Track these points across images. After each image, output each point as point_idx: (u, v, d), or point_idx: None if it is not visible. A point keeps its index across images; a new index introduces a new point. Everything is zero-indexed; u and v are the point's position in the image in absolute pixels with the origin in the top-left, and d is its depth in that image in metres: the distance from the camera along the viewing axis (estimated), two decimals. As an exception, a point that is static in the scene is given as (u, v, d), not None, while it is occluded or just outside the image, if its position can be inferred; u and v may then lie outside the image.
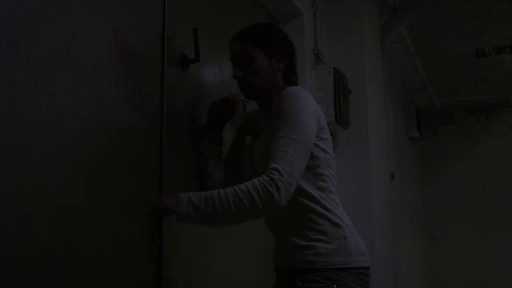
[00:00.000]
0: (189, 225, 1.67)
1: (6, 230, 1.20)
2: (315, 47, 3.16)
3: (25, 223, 1.26)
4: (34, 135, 1.30)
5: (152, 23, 1.85)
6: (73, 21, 1.47)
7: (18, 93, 1.26)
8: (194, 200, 1.58)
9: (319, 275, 1.66)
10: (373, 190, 3.30)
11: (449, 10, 4.15)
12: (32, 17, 1.33)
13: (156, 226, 1.73)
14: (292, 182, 1.57)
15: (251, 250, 1.99)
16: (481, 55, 4.88)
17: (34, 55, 1.32)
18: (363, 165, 3.28)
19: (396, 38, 4.17)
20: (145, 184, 1.75)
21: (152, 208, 1.66)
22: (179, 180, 1.90)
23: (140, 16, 1.77)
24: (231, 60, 1.86)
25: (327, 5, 3.41)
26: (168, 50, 1.89)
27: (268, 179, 1.55)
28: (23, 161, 1.26)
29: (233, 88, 1.97)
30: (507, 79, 5.49)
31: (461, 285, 5.99)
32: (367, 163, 3.29)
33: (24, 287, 1.25)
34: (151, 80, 1.81)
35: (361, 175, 3.27)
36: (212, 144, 1.96)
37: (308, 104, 1.69)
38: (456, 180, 6.27)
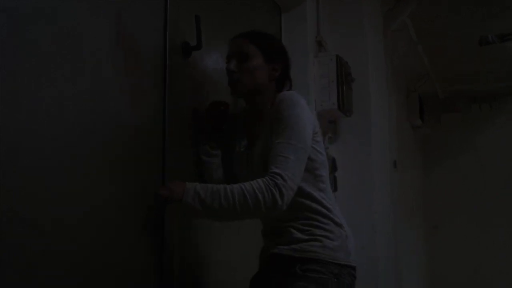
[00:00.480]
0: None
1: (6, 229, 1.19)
2: (318, 34, 3.14)
3: (25, 217, 1.25)
4: (34, 128, 1.29)
5: (154, 10, 1.83)
6: (73, 8, 1.44)
7: (17, 84, 1.25)
8: (200, 192, 1.60)
9: (321, 266, 1.70)
10: (375, 178, 3.29)
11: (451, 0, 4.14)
12: (32, 5, 1.31)
13: (158, 214, 1.73)
14: (294, 187, 1.63)
15: (253, 238, 1.99)
16: (485, 42, 4.84)
17: (32, 46, 1.30)
18: (365, 153, 3.27)
19: (398, 26, 4.15)
20: (148, 173, 1.73)
21: (156, 194, 1.67)
22: (183, 169, 1.90)
23: (141, 4, 1.76)
24: (228, 56, 1.88)
25: (330, -8, 3.38)
26: (170, 37, 1.88)
27: (272, 183, 1.59)
28: (23, 155, 1.25)
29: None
30: (511, 68, 5.45)
31: (463, 273, 6.00)
32: (370, 151, 3.28)
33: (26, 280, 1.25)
34: (153, 67, 1.80)
35: (364, 163, 3.26)
36: (211, 149, 1.95)
37: (305, 110, 1.74)
38: (458, 168, 6.26)
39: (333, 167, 3.04)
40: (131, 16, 1.69)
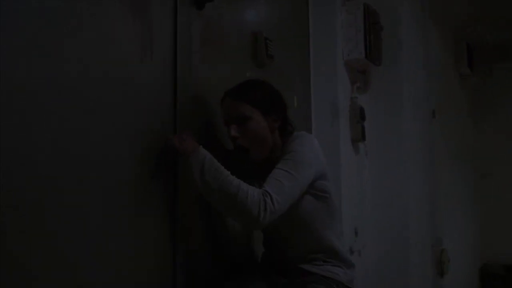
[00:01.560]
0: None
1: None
2: (346, -19, 3.09)
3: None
4: (38, 82, 1.31)
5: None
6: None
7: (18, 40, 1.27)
8: (205, 165, 1.65)
9: (339, 285, 1.87)
10: (406, 127, 3.27)
11: None
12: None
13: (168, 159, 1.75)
14: (278, 214, 1.67)
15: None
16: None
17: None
18: (396, 102, 3.25)
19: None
20: (159, 128, 1.74)
21: (168, 140, 1.71)
22: (194, 123, 1.90)
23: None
24: (226, 119, 1.87)
25: None
26: (182, -12, 1.84)
27: (263, 203, 1.62)
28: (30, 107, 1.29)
29: (250, 29, 1.97)
30: None
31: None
32: (401, 100, 3.25)
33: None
34: (163, 20, 1.77)
35: (394, 113, 3.25)
36: None
37: (315, 150, 1.82)
38: (509, 118, 6.07)
39: (361, 116, 3.05)
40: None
